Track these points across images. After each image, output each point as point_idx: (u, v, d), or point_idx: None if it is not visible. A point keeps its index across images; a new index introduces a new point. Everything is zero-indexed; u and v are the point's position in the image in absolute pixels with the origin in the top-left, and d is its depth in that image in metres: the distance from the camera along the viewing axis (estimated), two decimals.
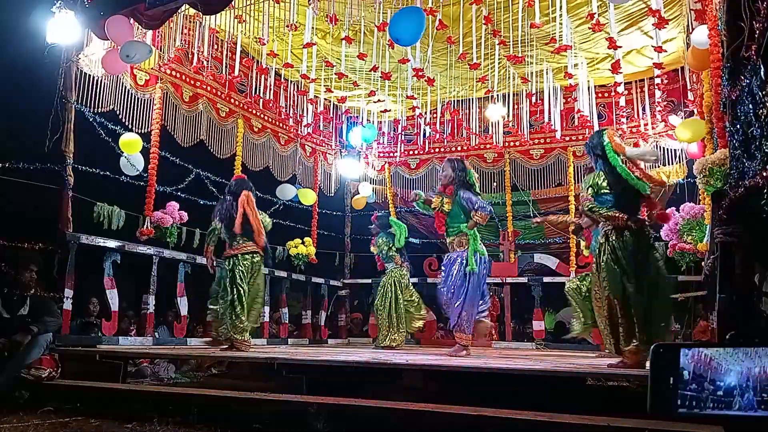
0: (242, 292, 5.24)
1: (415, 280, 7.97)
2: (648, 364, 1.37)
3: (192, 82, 6.97)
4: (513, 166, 8.81)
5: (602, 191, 3.84)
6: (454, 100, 8.31)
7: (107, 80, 5.88)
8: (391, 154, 9.42)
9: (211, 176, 7.33)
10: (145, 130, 6.34)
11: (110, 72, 5.71)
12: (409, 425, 2.97)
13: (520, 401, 2.96)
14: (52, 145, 5.30)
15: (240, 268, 5.27)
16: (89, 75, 5.71)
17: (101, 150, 6.05)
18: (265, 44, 6.27)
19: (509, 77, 7.34)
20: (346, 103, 9.04)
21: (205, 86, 7.11)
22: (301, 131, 8.47)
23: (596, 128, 7.49)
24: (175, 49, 6.41)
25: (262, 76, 7.08)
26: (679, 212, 6.11)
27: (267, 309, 7.45)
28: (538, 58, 6.86)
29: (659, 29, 5.15)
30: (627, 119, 7.89)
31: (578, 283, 5.86)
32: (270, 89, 7.07)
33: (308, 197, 8.55)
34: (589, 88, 7.42)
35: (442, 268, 5.26)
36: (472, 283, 5.02)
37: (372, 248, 7.43)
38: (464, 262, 5.04)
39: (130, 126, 6.15)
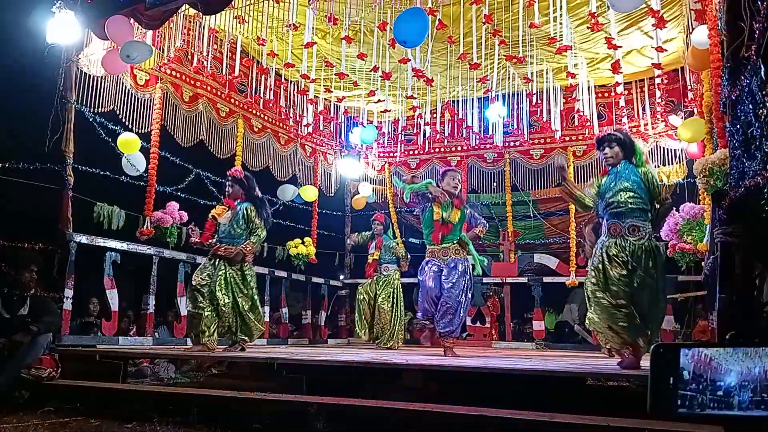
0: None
1: (414, 280, 7.99)
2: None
3: (192, 82, 6.97)
4: (513, 166, 8.80)
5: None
6: (454, 100, 8.31)
7: (107, 80, 5.88)
8: (391, 154, 9.42)
9: (211, 176, 7.34)
10: (145, 130, 6.34)
11: (110, 72, 5.71)
12: (409, 425, 2.97)
13: (520, 401, 2.96)
14: (52, 145, 5.30)
15: (251, 271, 5.29)
16: (89, 75, 5.71)
17: (101, 150, 6.05)
18: (264, 44, 6.27)
19: (509, 77, 7.34)
20: (346, 103, 9.04)
21: (205, 86, 7.12)
22: (301, 131, 8.47)
23: (596, 128, 7.52)
24: (175, 49, 6.41)
25: (262, 76, 7.08)
26: (679, 212, 6.11)
27: (267, 309, 7.46)
28: (538, 58, 6.86)
29: (659, 29, 5.15)
30: (627, 119, 7.89)
31: None
32: (270, 89, 7.07)
33: (309, 194, 8.53)
34: (589, 88, 7.42)
35: (442, 272, 5.08)
36: (469, 290, 5.11)
37: (374, 250, 7.38)
38: (468, 268, 5.11)
39: (130, 126, 6.15)
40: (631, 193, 3.86)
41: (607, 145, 4.04)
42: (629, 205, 3.85)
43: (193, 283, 5.07)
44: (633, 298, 3.68)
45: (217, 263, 5.11)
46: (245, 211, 5.19)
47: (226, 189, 5.34)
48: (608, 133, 4.17)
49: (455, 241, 5.13)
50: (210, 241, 5.24)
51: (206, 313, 4.99)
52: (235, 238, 5.17)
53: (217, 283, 5.03)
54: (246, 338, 5.16)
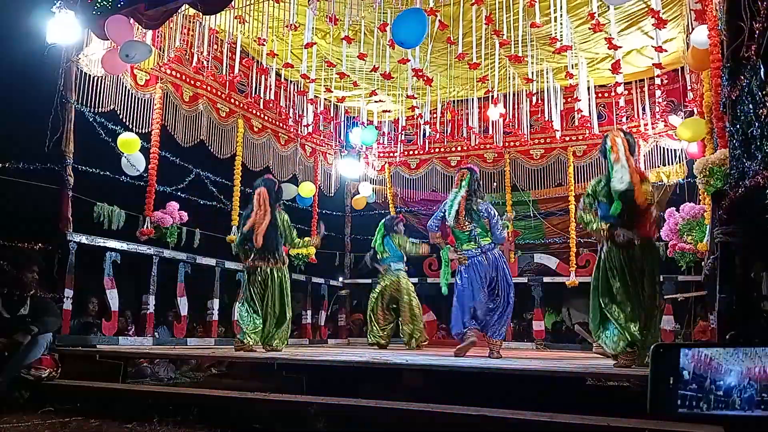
0: None
1: (414, 280, 7.99)
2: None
3: (192, 82, 6.96)
4: (513, 166, 8.80)
5: (600, 198, 3.82)
6: (454, 100, 8.29)
7: (107, 80, 5.87)
8: (391, 154, 9.42)
9: (211, 176, 7.34)
10: (145, 130, 6.33)
11: (110, 72, 5.70)
12: (409, 425, 2.97)
13: (520, 401, 2.96)
14: (52, 145, 5.30)
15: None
16: (89, 75, 5.70)
17: (101, 150, 6.04)
18: (264, 44, 6.26)
19: (509, 77, 7.34)
20: (346, 103, 9.04)
21: (205, 86, 7.11)
22: (301, 131, 8.46)
23: (596, 128, 7.51)
24: (175, 49, 6.40)
25: (262, 76, 7.08)
26: (679, 212, 6.11)
27: None
28: (538, 58, 6.86)
29: (659, 29, 5.15)
30: (627, 119, 7.88)
31: None
32: (270, 89, 7.06)
33: (306, 190, 8.49)
34: (589, 88, 7.41)
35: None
36: None
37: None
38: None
39: (130, 126, 6.14)
40: None
41: None
42: None
43: None
44: None
45: None
46: None
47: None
48: None
49: None
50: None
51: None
52: None
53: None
54: None
